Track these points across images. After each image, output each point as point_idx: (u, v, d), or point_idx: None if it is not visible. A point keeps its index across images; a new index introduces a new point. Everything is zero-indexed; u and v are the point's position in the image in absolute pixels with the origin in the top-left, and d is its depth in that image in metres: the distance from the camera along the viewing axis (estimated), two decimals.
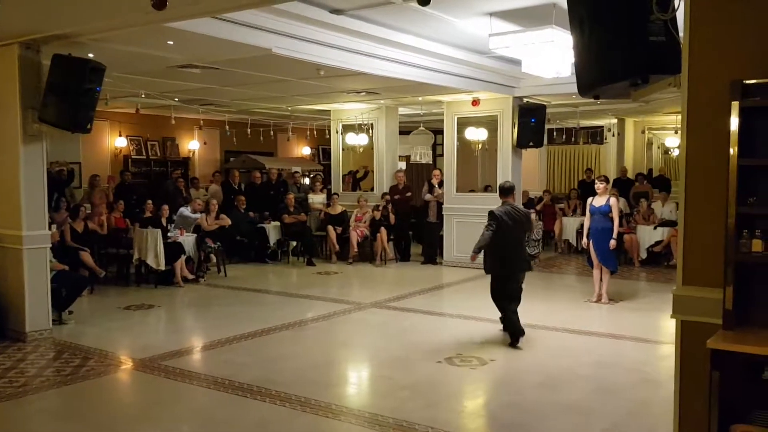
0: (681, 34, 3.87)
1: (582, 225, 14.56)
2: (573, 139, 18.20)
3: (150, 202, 11.85)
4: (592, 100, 13.35)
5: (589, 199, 9.85)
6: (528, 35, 7.64)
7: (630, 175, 17.10)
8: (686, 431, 3.84)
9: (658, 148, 19.26)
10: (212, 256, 12.05)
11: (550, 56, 8.01)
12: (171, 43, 7.60)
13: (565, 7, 7.63)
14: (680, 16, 3.75)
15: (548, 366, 6.76)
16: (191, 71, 9.42)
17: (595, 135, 19.24)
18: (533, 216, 13.69)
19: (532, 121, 12.31)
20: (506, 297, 7.73)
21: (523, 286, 7.92)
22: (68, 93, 7.25)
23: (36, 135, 7.67)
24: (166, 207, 11.63)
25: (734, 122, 3.48)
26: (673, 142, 18.30)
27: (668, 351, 7.45)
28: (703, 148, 3.75)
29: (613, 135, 17.72)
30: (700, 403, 3.67)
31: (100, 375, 6.54)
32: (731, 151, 3.47)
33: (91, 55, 7.75)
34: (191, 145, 17.42)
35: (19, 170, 7.58)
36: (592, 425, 5.18)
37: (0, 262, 7.92)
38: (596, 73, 4.14)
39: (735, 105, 3.48)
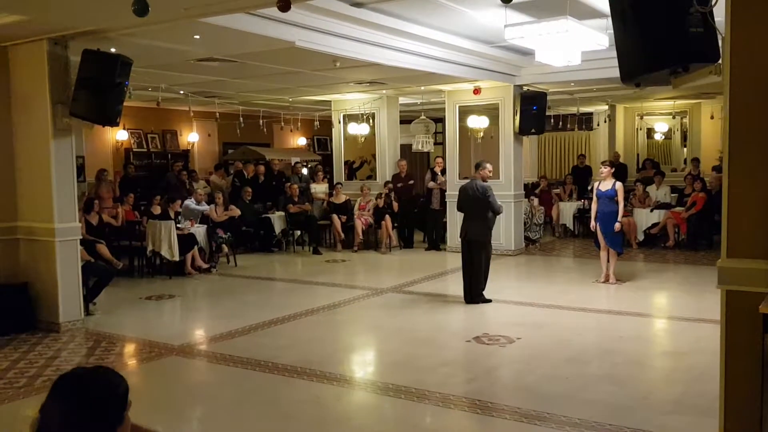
0: (717, 23, 4.15)
1: (578, 209, 15.13)
2: (565, 125, 18.56)
3: (159, 197, 12.00)
4: (587, 88, 13.78)
5: (595, 184, 10.19)
6: (543, 25, 7.89)
7: (622, 159, 17.52)
8: (733, 394, 4.10)
9: (645, 133, 19.71)
10: (224, 246, 12.23)
11: (564, 46, 8.30)
12: (197, 37, 7.77)
13: None
14: (715, 7, 4.04)
15: (574, 342, 7.09)
16: (209, 64, 9.59)
17: (586, 121, 19.62)
18: (535, 201, 14.09)
19: (533, 109, 12.64)
20: (465, 261, 8.92)
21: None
22: (99, 87, 7.40)
23: (65, 129, 7.82)
24: (178, 201, 11.77)
25: None
26: (663, 127, 18.75)
27: (680, 325, 7.88)
28: (745, 131, 4.03)
29: (605, 121, 18.12)
30: (746, 366, 3.97)
31: (145, 361, 6.76)
32: None
33: (113, 50, 7.90)
34: (191, 137, 17.54)
35: (50, 164, 7.73)
36: (629, 394, 5.51)
37: (31, 255, 8.08)
38: (638, 62, 4.42)
39: None
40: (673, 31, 4.12)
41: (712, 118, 17.32)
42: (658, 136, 19.18)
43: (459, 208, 9.25)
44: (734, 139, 4.07)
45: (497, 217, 9.09)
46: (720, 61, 4.11)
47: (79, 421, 1.77)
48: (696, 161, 15.32)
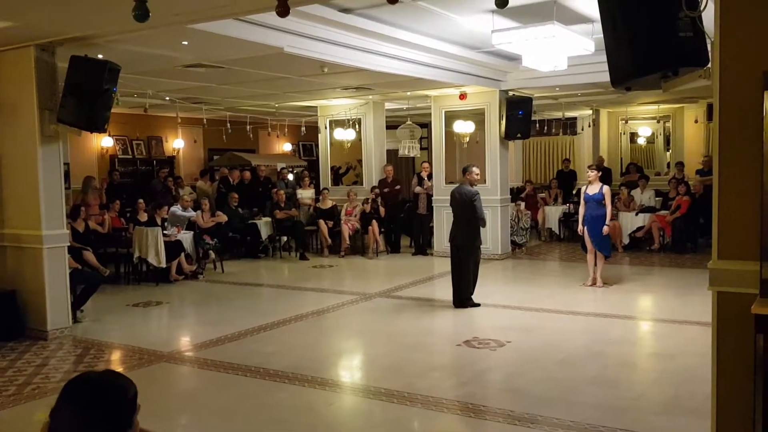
0: (705, 28, 4.21)
1: (564, 213, 15.25)
2: (549, 130, 18.71)
3: (141, 201, 11.94)
4: (571, 93, 13.89)
5: (582, 188, 10.27)
6: (530, 31, 7.96)
7: (606, 164, 17.66)
8: (726, 395, 4.13)
9: (629, 137, 19.91)
10: (210, 252, 12.19)
11: (550, 51, 8.37)
12: (185, 43, 7.77)
13: (566, 3, 8.08)
14: (704, 12, 4.09)
15: (563, 345, 7.14)
16: (196, 70, 9.57)
17: (570, 126, 19.76)
18: (521, 205, 14.16)
19: (519, 114, 12.72)
20: (454, 265, 8.95)
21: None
22: (87, 94, 7.34)
23: (53, 135, 7.77)
24: (165, 207, 11.74)
25: None
26: (646, 131, 18.93)
27: (668, 327, 7.95)
28: (735, 135, 4.08)
29: (590, 125, 18.26)
30: (738, 367, 4.01)
31: (135, 368, 6.71)
32: (767, 135, 3.82)
33: (100, 56, 7.86)
34: (176, 143, 17.48)
35: (37, 170, 7.66)
36: (620, 396, 5.55)
37: (18, 262, 8.01)
38: (629, 67, 4.47)
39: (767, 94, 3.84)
40: (662, 35, 4.16)
41: (696, 122, 17.50)
42: (641, 141, 19.37)
43: (453, 213, 9.24)
44: (724, 142, 4.13)
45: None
46: (709, 65, 4.17)
47: (90, 424, 1.77)
48: (680, 165, 15.48)
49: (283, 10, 3.63)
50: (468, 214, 8.85)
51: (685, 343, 7.04)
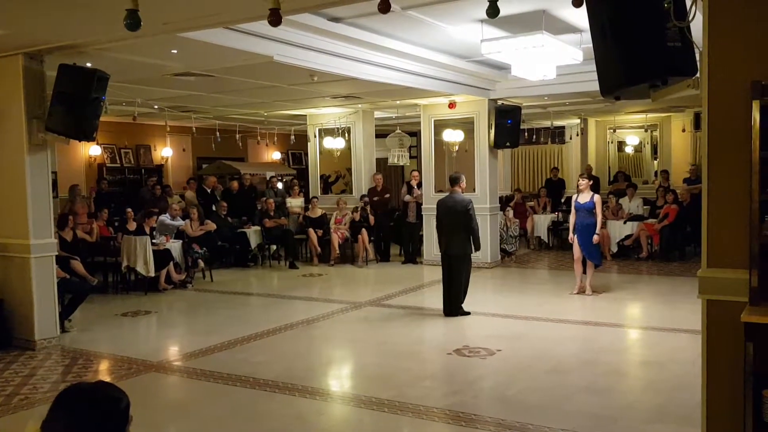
0: (694, 37, 4.24)
1: (553, 222, 15.31)
2: (538, 139, 18.80)
3: (130, 210, 11.89)
4: (560, 102, 13.95)
5: (574, 196, 10.31)
6: (519, 40, 8.00)
7: (594, 172, 17.75)
8: (715, 403, 4.15)
9: (617, 146, 20.05)
10: (200, 261, 12.13)
11: (539, 60, 8.42)
12: (175, 51, 7.75)
13: (555, 13, 8.12)
14: (692, 22, 4.13)
15: (553, 353, 7.15)
16: (186, 79, 9.55)
17: (559, 135, 19.85)
18: (510, 213, 14.18)
19: (508, 122, 12.78)
20: (445, 274, 8.94)
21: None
22: (75, 102, 7.30)
23: (41, 144, 7.72)
24: (154, 217, 11.69)
25: (756, 119, 3.87)
26: (634, 140, 19.06)
27: (657, 335, 7.98)
28: (723, 144, 4.11)
29: (578, 134, 18.36)
30: (727, 375, 4.03)
31: (124, 378, 6.66)
32: (755, 144, 3.85)
33: (89, 64, 7.84)
34: (164, 152, 17.42)
35: (25, 179, 7.61)
36: (611, 404, 5.57)
37: (6, 272, 7.93)
38: (618, 76, 4.49)
39: (756, 103, 3.88)
40: (652, 45, 4.19)
41: (683, 131, 17.64)
42: (629, 149, 19.51)
43: (438, 223, 9.19)
44: (713, 151, 4.16)
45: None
46: (698, 75, 4.20)
47: None
48: (665, 173, 15.59)
49: (275, 20, 3.63)
50: (462, 223, 8.83)
51: (674, 351, 7.07)
